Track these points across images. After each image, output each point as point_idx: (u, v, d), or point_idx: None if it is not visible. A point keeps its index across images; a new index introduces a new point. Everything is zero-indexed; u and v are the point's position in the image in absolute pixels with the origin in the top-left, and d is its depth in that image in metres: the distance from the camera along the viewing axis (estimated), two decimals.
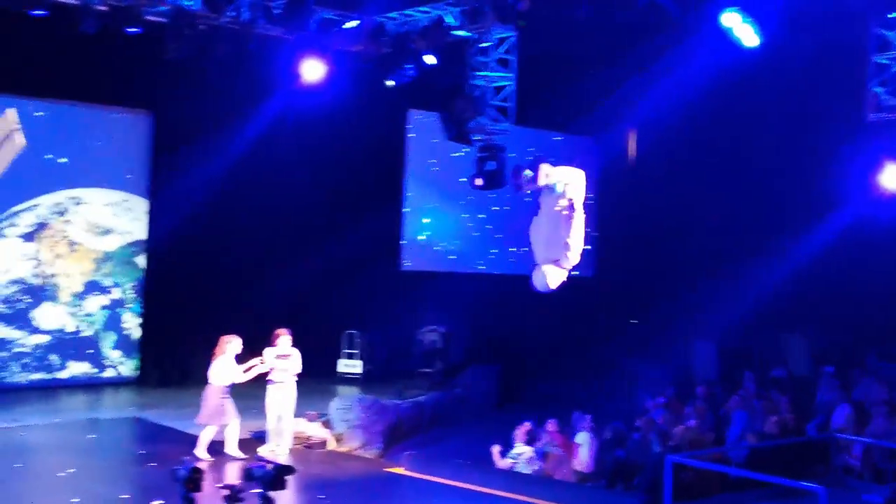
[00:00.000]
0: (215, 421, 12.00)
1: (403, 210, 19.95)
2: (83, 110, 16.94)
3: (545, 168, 7.85)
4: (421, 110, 19.43)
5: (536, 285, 7.90)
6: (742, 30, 12.35)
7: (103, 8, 12.06)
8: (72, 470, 11.28)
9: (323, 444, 13.27)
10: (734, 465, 11.56)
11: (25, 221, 16.59)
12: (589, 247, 23.92)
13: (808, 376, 16.54)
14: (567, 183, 7.87)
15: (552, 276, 7.85)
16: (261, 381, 12.65)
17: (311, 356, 13.48)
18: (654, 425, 12.10)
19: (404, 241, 19.95)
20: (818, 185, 17.39)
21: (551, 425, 12.37)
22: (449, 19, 14.02)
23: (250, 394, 12.31)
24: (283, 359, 12.46)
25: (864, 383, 14.79)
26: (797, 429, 12.75)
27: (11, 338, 16.39)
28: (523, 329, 20.19)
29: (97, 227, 17.29)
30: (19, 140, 16.37)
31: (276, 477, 5.75)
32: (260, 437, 12.77)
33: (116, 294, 17.51)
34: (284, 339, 12.54)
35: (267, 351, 12.51)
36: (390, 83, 14.00)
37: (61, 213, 16.92)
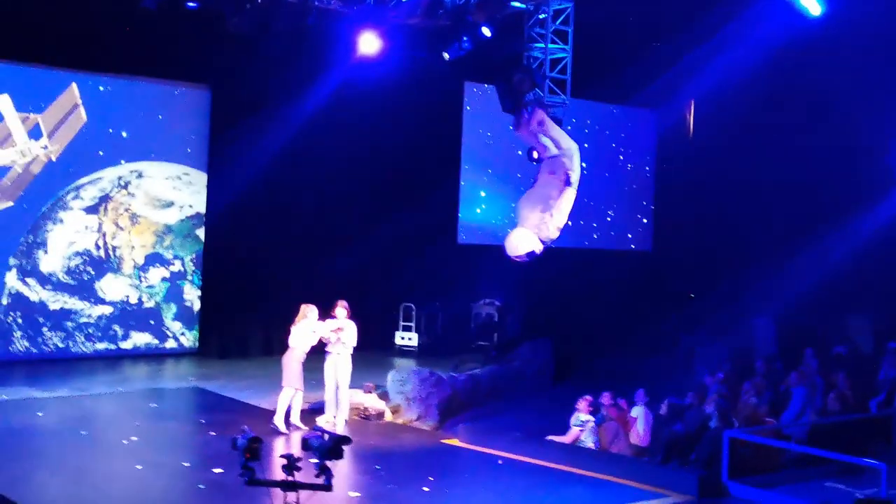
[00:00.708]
0: (296, 384, 12.10)
1: (460, 183, 19.94)
2: (144, 85, 17.17)
3: (540, 114, 7.72)
4: (477, 83, 19.36)
5: (507, 249, 7.65)
6: None
7: None
8: (135, 438, 11.52)
9: (380, 415, 13.38)
10: (794, 441, 11.44)
11: (89, 194, 16.90)
12: (645, 220, 23.87)
13: (871, 353, 16.26)
14: (563, 148, 7.77)
15: (523, 241, 7.54)
16: (319, 352, 12.79)
17: (368, 329, 13.59)
18: (710, 400, 12.00)
19: (461, 215, 19.95)
20: (882, 160, 17.02)
21: (606, 398, 12.35)
22: None
23: (308, 366, 12.44)
24: (339, 331, 12.56)
25: None
26: (859, 405, 12.57)
27: (77, 308, 16.76)
28: (579, 303, 20.12)
29: (158, 201, 17.55)
30: (81, 114, 16.65)
31: (333, 447, 5.80)
32: (318, 409, 12.92)
33: (177, 266, 17.79)
34: (341, 311, 12.64)
35: (324, 323, 12.62)
36: (447, 56, 13.95)
37: (124, 187, 17.20)
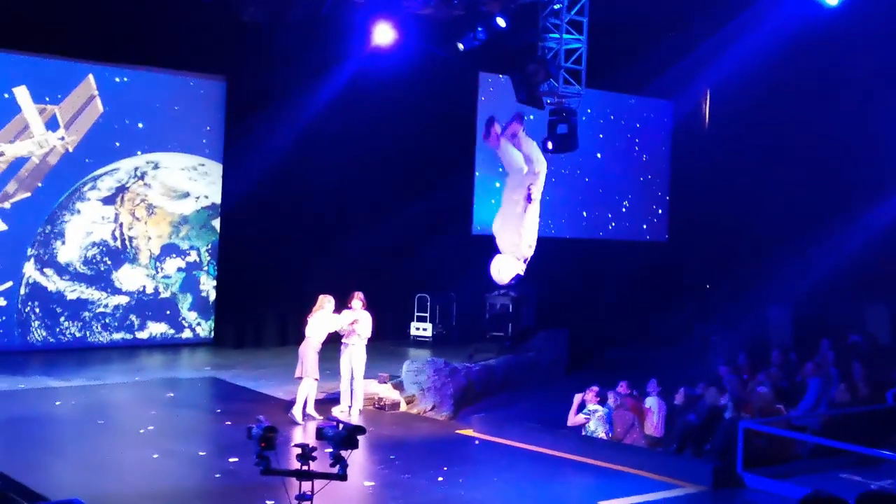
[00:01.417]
0: (313, 374, 12.12)
1: (475, 174, 19.93)
2: (160, 76, 17.22)
3: (516, 127, 7.83)
4: (492, 73, 19.33)
5: (492, 276, 7.98)
6: None
7: None
8: (151, 427, 11.59)
9: (394, 405, 13.41)
10: (808, 432, 11.41)
11: (106, 185, 16.98)
12: (661, 211, 23.81)
13: (889, 343, 16.20)
14: (534, 163, 7.89)
15: (506, 268, 7.97)
16: (334, 343, 12.83)
17: (383, 319, 13.63)
18: (725, 390, 11.99)
19: (475, 206, 19.94)
20: None
21: (622, 387, 12.35)
22: None
23: (323, 356, 12.48)
24: (355, 324, 12.59)
25: None
26: (875, 396, 12.51)
27: (94, 298, 16.86)
28: (594, 294, 20.11)
29: (174, 191, 17.62)
30: (98, 105, 16.72)
31: (347, 437, 5.82)
32: (333, 399, 12.97)
33: (193, 256, 17.86)
34: (357, 302, 12.67)
35: (339, 316, 12.64)
36: (461, 46, 13.93)
37: (140, 177, 17.27)
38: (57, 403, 12.66)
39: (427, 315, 19.12)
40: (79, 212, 16.73)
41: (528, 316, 18.93)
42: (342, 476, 5.79)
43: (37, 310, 16.36)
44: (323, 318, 12.36)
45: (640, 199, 22.41)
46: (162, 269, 17.53)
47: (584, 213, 21.66)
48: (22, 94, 15.98)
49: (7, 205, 16.08)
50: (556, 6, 14.48)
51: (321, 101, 17.54)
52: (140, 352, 16.82)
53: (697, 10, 17.43)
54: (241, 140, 17.53)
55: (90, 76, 16.59)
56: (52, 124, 16.31)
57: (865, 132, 18.25)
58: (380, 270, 18.04)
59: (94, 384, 14.03)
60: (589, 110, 19.78)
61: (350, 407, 12.63)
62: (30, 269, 16.32)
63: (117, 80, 16.90)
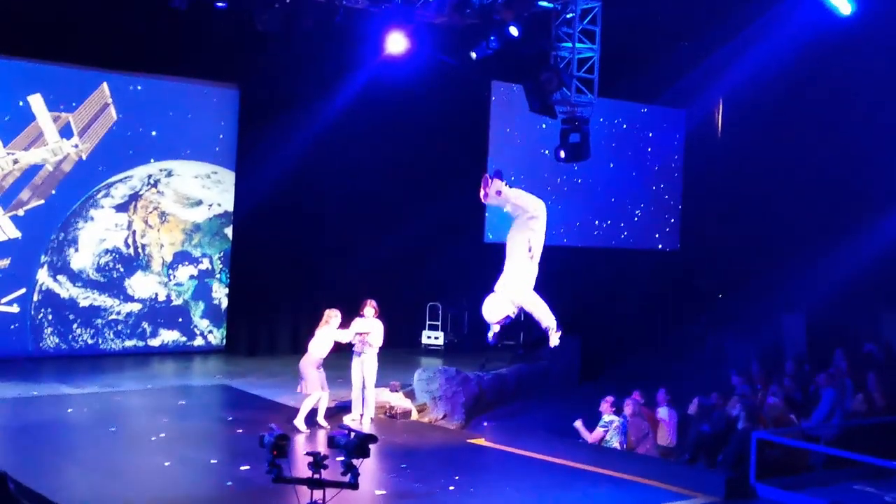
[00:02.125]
0: (317, 388, 12.12)
1: None
2: (173, 84, 17.28)
3: (497, 185, 7.95)
4: (505, 82, 19.34)
5: (484, 315, 8.23)
6: None
7: None
8: (163, 434, 11.60)
9: (406, 414, 13.39)
10: (823, 443, 11.34)
11: (119, 192, 17.03)
12: (673, 220, 23.77)
13: None
14: (530, 211, 7.96)
15: (498, 308, 8.16)
16: (345, 351, 12.83)
17: (395, 327, 13.61)
18: (738, 400, 11.93)
19: (487, 214, 19.93)
20: None
21: (637, 396, 12.31)
22: None
23: (335, 364, 12.49)
24: (363, 335, 12.56)
25: None
26: (890, 407, 12.42)
27: (106, 305, 16.90)
28: (607, 303, 20.05)
29: (187, 199, 17.67)
30: (112, 113, 16.79)
31: (359, 445, 5.83)
32: (344, 407, 12.96)
33: (205, 264, 17.90)
34: (369, 310, 12.66)
35: (345, 331, 12.62)
36: (474, 55, 13.95)
37: (153, 185, 17.33)
38: (69, 410, 12.68)
39: (439, 323, 19.11)
40: (92, 219, 16.79)
41: (540, 325, 18.88)
42: (354, 485, 5.79)
43: (49, 317, 16.41)
44: (327, 334, 12.34)
45: (652, 208, 22.37)
46: (174, 276, 17.57)
47: (597, 222, 21.62)
48: (36, 101, 16.06)
49: (21, 212, 16.15)
50: (569, 15, 14.50)
51: (334, 110, 17.57)
52: (152, 359, 16.85)
53: (710, 18, 17.40)
54: (254, 148, 17.57)
55: (104, 84, 16.66)
56: (66, 132, 16.38)
57: (879, 140, 18.18)
58: (392, 278, 18.04)
59: (106, 391, 14.06)
60: (601, 119, 19.76)
61: (361, 415, 12.62)
62: (43, 276, 16.38)
63: (131, 88, 16.97)
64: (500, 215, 21.71)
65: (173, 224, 17.57)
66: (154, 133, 17.20)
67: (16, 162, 16.00)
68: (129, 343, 17.11)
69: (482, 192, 8.19)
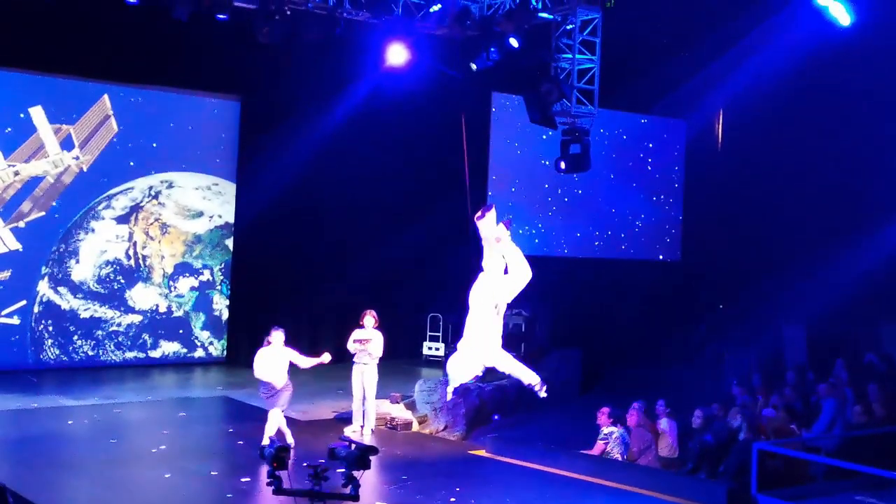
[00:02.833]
0: (280, 405, 11.41)
1: (488, 193, 19.94)
2: (174, 96, 17.32)
3: (501, 230, 7.91)
4: (505, 93, 19.37)
5: (449, 376, 8.12)
6: (835, 8, 12.03)
7: None
8: (164, 446, 11.58)
9: (406, 425, 13.37)
10: (824, 453, 11.31)
11: (120, 204, 17.06)
12: (674, 230, 23.71)
13: None
14: (513, 270, 7.96)
15: (467, 370, 8.05)
16: (345, 363, 12.81)
17: (395, 338, 13.59)
18: (739, 411, 11.91)
19: None
20: None
21: (637, 406, 12.27)
22: (533, 1, 13.94)
23: (336, 375, 12.47)
24: (364, 342, 12.55)
25: None
26: (891, 417, 12.38)
27: (107, 317, 16.91)
28: (608, 313, 20.04)
29: (188, 211, 17.69)
30: (113, 125, 16.83)
31: (359, 457, 5.81)
32: (345, 419, 12.94)
33: (206, 276, 17.90)
34: (369, 320, 12.65)
35: (353, 333, 12.64)
36: (474, 66, 13.98)
37: (154, 197, 17.35)
38: (70, 422, 12.67)
39: (440, 335, 19.10)
40: (93, 231, 16.81)
41: (540, 336, 18.89)
42: (354, 496, 5.77)
43: (50, 328, 16.41)
44: (271, 356, 11.51)
45: (653, 219, 22.37)
46: (175, 288, 17.58)
47: (597, 233, 21.63)
48: (37, 114, 16.10)
49: (22, 224, 16.16)
50: (569, 26, 14.52)
51: (335, 121, 17.60)
52: (153, 371, 16.84)
53: (709, 29, 17.44)
54: (255, 160, 17.60)
55: (105, 96, 16.70)
56: (67, 144, 16.41)
57: (880, 150, 18.19)
58: (392, 289, 18.04)
59: (106, 403, 14.05)
60: (602, 130, 19.78)
61: (362, 427, 12.60)
62: (44, 288, 16.39)
63: (132, 99, 17.01)
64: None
65: (174, 235, 17.58)
66: (155, 145, 17.23)
67: (17, 174, 16.02)
68: (129, 354, 17.11)
69: (479, 213, 8.13)
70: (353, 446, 5.89)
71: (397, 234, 18.35)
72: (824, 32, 14.41)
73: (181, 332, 17.62)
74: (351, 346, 12.55)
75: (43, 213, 16.36)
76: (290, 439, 11.34)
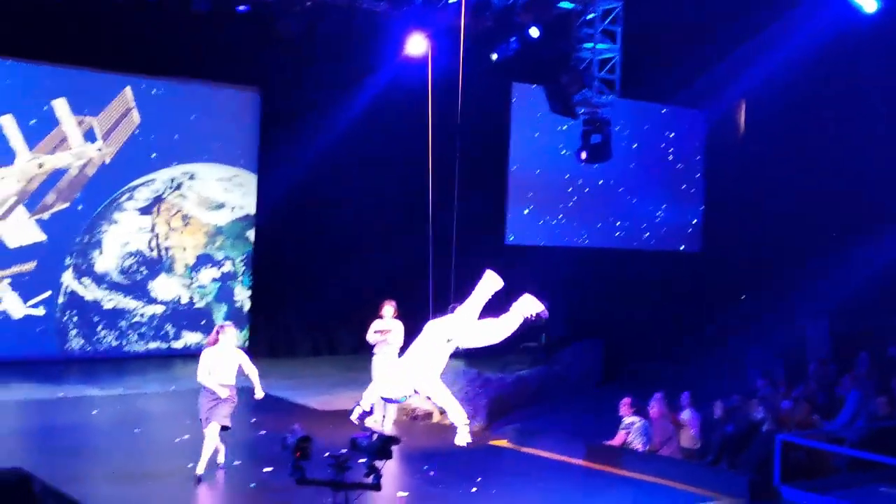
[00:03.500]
0: (220, 418, 10.12)
1: (508, 184, 19.90)
2: (195, 88, 17.37)
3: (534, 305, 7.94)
4: (525, 83, 19.31)
5: (382, 391, 8.41)
6: None
7: None
8: (187, 436, 11.63)
9: (427, 416, 13.40)
10: (848, 445, 11.25)
11: (142, 196, 17.15)
12: (695, 221, 23.58)
13: None
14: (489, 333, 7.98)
15: (400, 388, 8.35)
16: (365, 353, 12.83)
17: (416, 329, 13.54)
18: (760, 402, 11.86)
19: (509, 215, 19.91)
20: None
21: (659, 397, 12.24)
22: None
23: (357, 366, 12.49)
24: (384, 332, 12.56)
25: None
26: None
27: (130, 308, 17.01)
28: (628, 305, 19.96)
29: (209, 202, 17.75)
30: (135, 117, 16.91)
31: (381, 447, 5.84)
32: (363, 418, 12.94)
33: (227, 267, 17.97)
34: (388, 309, 12.66)
35: (373, 323, 12.66)
36: (494, 57, 13.96)
37: (176, 188, 17.43)
38: (94, 412, 12.77)
39: None
40: (116, 222, 16.91)
41: (559, 327, 18.86)
42: (376, 486, 5.79)
43: (74, 319, 16.53)
44: (219, 358, 10.20)
45: (674, 210, 22.27)
46: (197, 279, 17.66)
47: (618, 224, 21.55)
48: (61, 106, 16.19)
49: (46, 215, 16.28)
50: (590, 15, 14.47)
51: (355, 112, 17.60)
52: (175, 361, 16.91)
53: (731, 18, 17.30)
54: (276, 151, 17.63)
55: (127, 88, 16.77)
56: (89, 136, 16.50)
57: None
58: (413, 280, 17.98)
59: (130, 393, 14.15)
60: (622, 120, 19.69)
61: (383, 417, 12.62)
62: (68, 279, 16.50)
63: (153, 92, 17.07)
64: (522, 217, 21.82)
65: (196, 227, 17.66)
66: (176, 136, 17.30)
67: (41, 166, 16.13)
68: (152, 345, 17.21)
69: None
70: (375, 436, 5.91)
71: (418, 224, 18.30)
72: (849, 18, 14.27)
73: (203, 322, 17.69)
74: (371, 336, 12.57)
75: (67, 205, 16.46)
76: (221, 458, 10.20)
